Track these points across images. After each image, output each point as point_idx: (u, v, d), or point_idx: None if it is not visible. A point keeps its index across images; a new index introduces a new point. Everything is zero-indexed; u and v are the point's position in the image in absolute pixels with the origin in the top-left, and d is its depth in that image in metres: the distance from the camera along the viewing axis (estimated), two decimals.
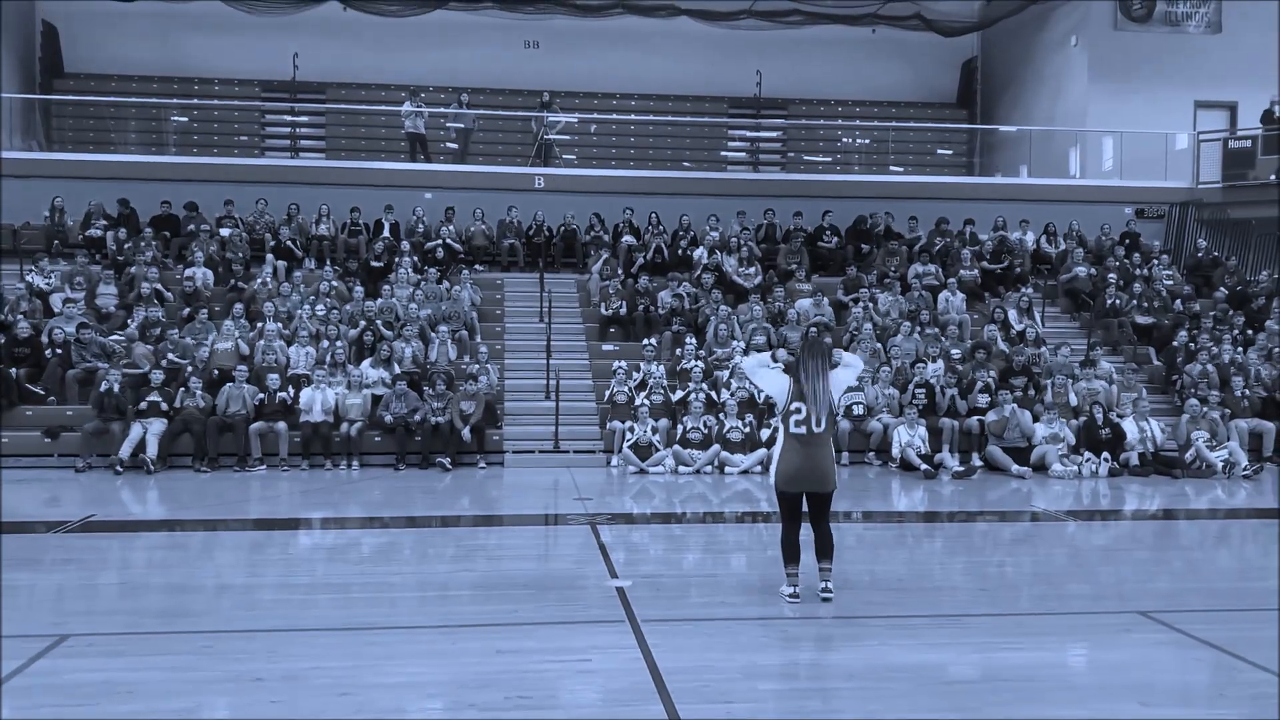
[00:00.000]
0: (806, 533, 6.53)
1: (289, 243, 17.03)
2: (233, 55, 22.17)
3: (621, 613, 6.27)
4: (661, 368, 14.12)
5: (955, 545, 9.17)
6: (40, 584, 7.12)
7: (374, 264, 16.74)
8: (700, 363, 14.11)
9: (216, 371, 13.50)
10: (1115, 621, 6.24)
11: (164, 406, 12.72)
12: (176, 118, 21.30)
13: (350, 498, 11.38)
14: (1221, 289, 17.64)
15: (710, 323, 15.23)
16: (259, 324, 14.40)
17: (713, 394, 13.68)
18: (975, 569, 8.00)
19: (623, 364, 14.16)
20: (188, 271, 15.75)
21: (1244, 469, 12.80)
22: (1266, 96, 19.62)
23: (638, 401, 13.30)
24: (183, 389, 12.89)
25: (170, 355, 13.73)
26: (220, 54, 22.17)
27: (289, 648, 5.53)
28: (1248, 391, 14.36)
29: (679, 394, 13.59)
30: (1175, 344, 15.59)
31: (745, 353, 13.74)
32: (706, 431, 12.98)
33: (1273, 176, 18.77)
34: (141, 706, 4.66)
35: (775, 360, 7.73)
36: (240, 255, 16.59)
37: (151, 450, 12.32)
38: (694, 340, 14.77)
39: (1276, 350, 15.47)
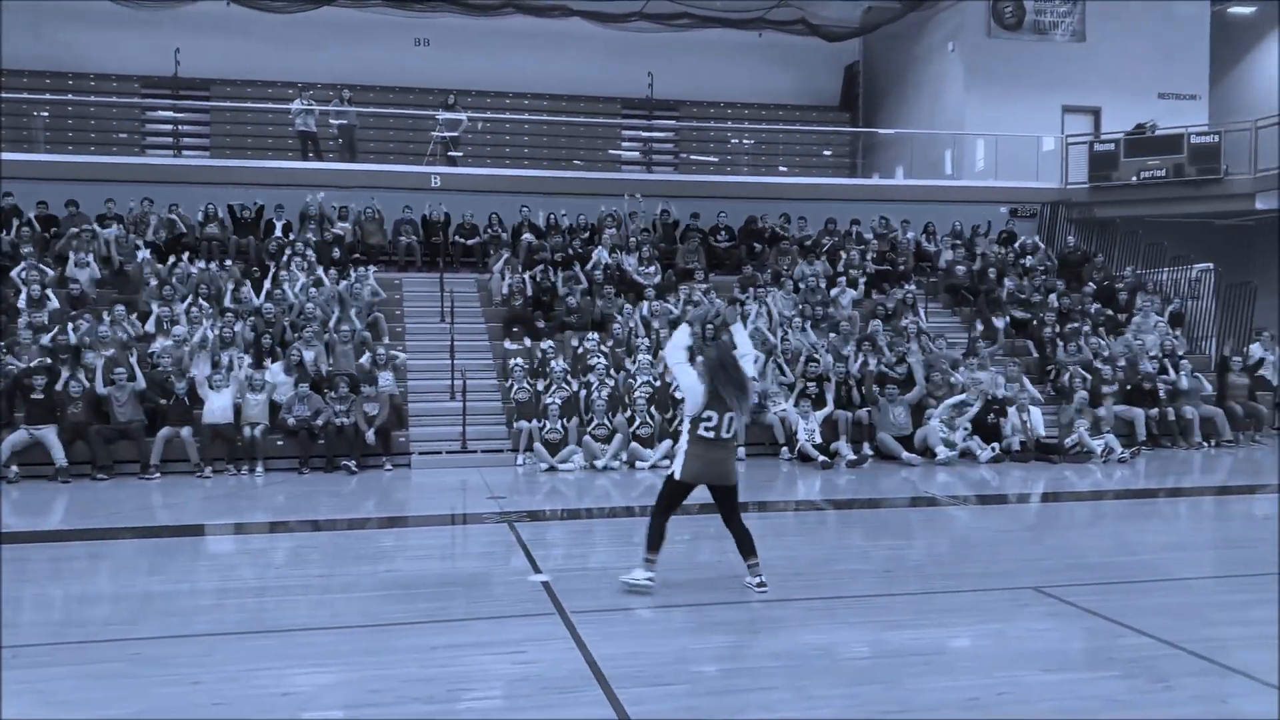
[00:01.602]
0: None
1: (178, 242, 16.59)
2: (111, 50, 21.43)
3: (550, 606, 6.44)
4: (564, 364, 14.27)
5: (859, 531, 9.61)
6: None
7: (267, 263, 16.44)
8: (604, 359, 14.32)
9: (100, 374, 13.09)
10: (1011, 597, 6.69)
11: (55, 412, 12.33)
12: (43, 113, 20.46)
13: (255, 503, 11.24)
14: (1090, 284, 18.71)
15: (617, 321, 15.43)
16: (149, 326, 14.03)
17: (619, 389, 13.90)
18: (879, 553, 8.43)
19: (520, 362, 14.24)
20: (72, 273, 15.21)
21: (1120, 454, 13.64)
22: (1127, 102, 20.88)
23: (546, 400, 13.43)
24: (68, 392, 12.48)
25: (55, 358, 13.25)
26: (97, 49, 21.41)
27: (221, 651, 5.54)
28: (1116, 380, 15.26)
29: (583, 391, 13.78)
30: (1049, 336, 16.50)
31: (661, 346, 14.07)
32: (613, 428, 13.20)
33: (1134, 178, 19.97)
34: (82, 715, 4.64)
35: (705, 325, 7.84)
36: (125, 255, 16.09)
37: (59, 457, 11.97)
38: (596, 336, 14.96)
39: (1142, 341, 16.51)
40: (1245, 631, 5.84)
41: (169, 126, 22.39)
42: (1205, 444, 14.95)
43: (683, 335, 6.96)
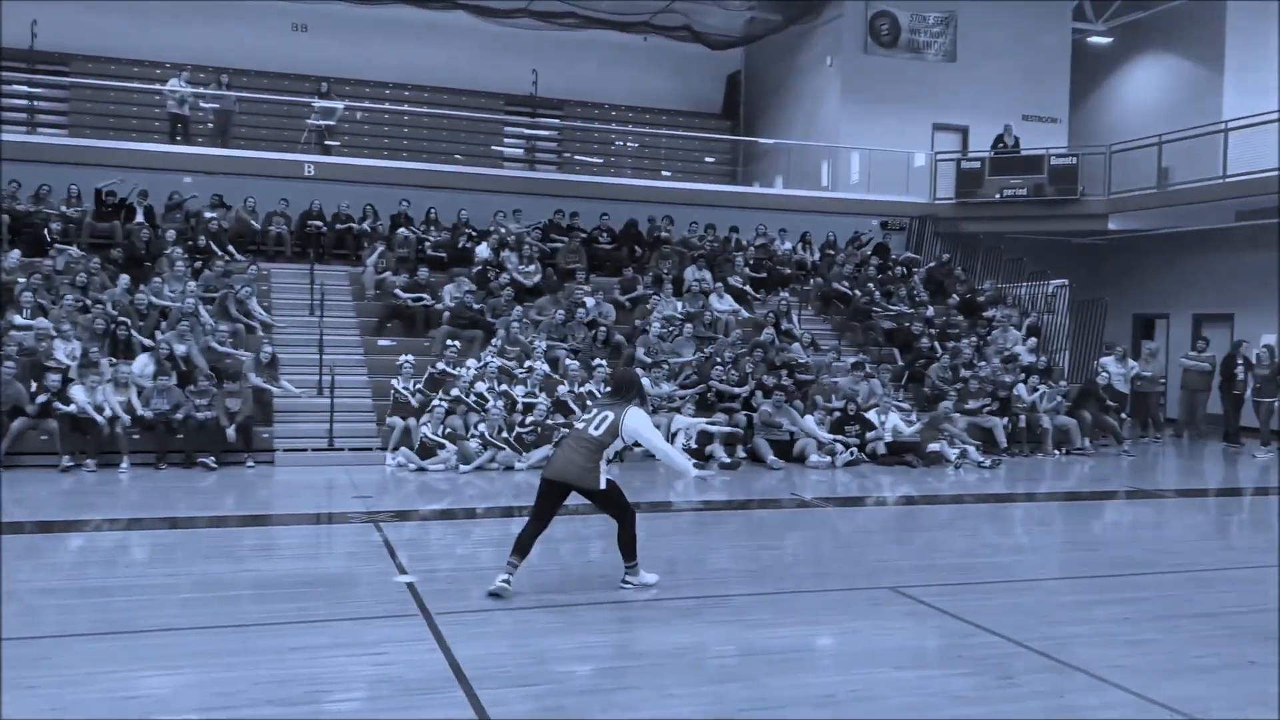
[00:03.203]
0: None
1: (43, 225, 15.77)
2: None
3: (413, 607, 6.34)
4: (470, 369, 13.90)
5: (724, 532, 9.75)
6: None
7: (136, 252, 15.75)
8: (498, 361, 14.16)
9: None
10: (869, 596, 6.89)
11: None
12: None
13: (108, 499, 10.74)
14: (954, 295, 19.42)
15: (503, 322, 15.26)
16: (11, 314, 13.31)
17: (507, 392, 13.72)
18: (743, 554, 8.57)
19: (409, 359, 13.91)
20: None
21: (979, 462, 14.15)
22: (993, 122, 21.74)
23: (434, 400, 13.13)
24: None
25: None
26: None
27: (63, 654, 5.28)
28: (983, 391, 15.83)
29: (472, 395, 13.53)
30: (918, 345, 17.06)
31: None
32: (498, 431, 13.02)
33: (997, 196, 20.82)
34: None
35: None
36: None
37: None
38: (498, 340, 14.76)
39: (1000, 351, 17.22)
40: (1087, 630, 6.14)
41: (24, 101, 21.19)
42: (1057, 452, 15.65)
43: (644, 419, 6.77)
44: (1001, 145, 21.07)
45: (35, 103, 21.13)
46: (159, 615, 6.13)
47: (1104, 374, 17.00)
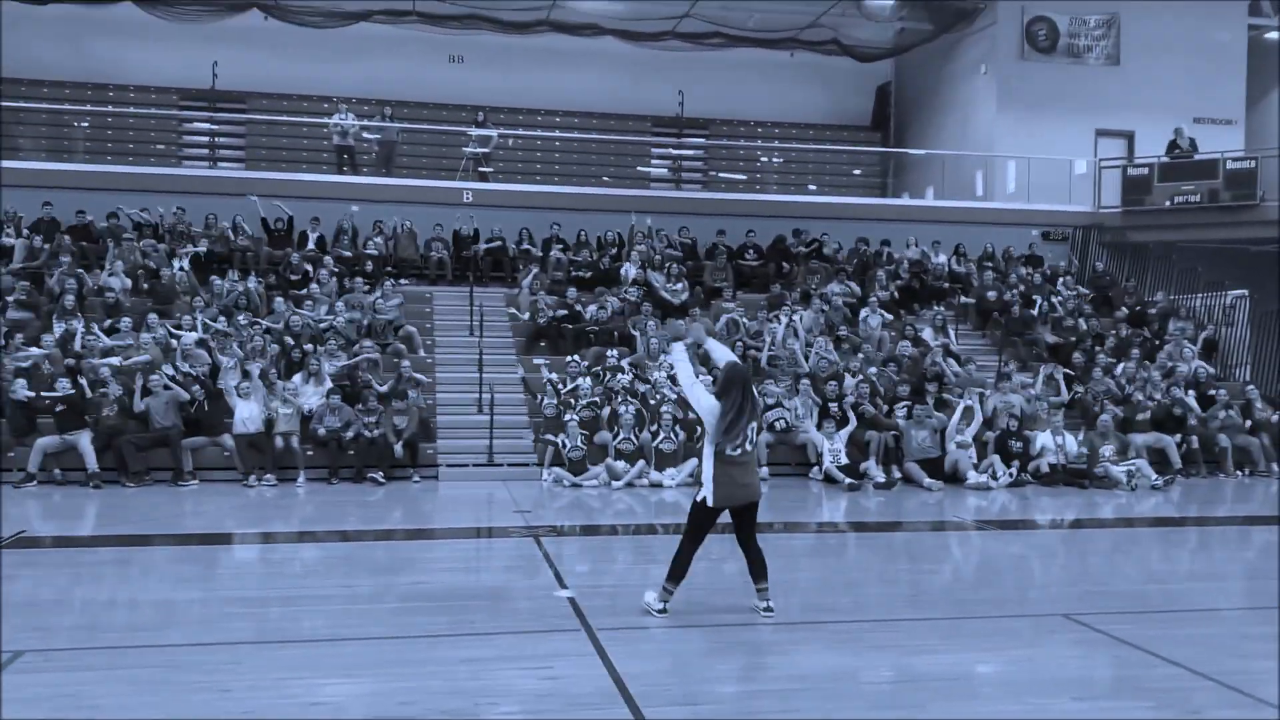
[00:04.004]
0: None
1: (212, 251, 16.82)
2: (149, 62, 21.79)
3: (576, 622, 6.44)
4: (589, 381, 14.27)
5: (881, 554, 9.56)
6: None
7: (292, 276, 16.61)
8: (631, 375, 14.35)
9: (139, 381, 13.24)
10: (1041, 624, 6.63)
11: (86, 418, 12.49)
12: (83, 123, 20.77)
13: (285, 512, 11.32)
14: (1122, 308, 18.57)
15: (640, 337, 15.46)
16: (181, 334, 14.22)
17: (643, 406, 13.91)
18: (902, 577, 8.38)
19: (553, 376, 14.28)
20: (108, 281, 15.42)
21: (1153, 481, 13.47)
22: (1161, 125, 20.74)
23: (567, 416, 13.44)
24: (104, 398, 12.64)
25: (93, 366, 13.39)
26: (136, 61, 21.77)
27: (251, 660, 5.59)
28: (1148, 407, 15.09)
29: (608, 408, 13.79)
30: (1079, 360, 16.37)
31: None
32: (639, 444, 13.21)
33: (1168, 203, 19.83)
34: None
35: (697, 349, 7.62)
36: (159, 265, 16.28)
37: (91, 463, 12.13)
38: (615, 352, 14.96)
39: (1173, 367, 16.35)
40: (1276, 665, 5.76)
41: (206, 138, 22.68)
42: (1240, 473, 14.75)
43: (682, 354, 6.79)
44: (1176, 150, 20.02)
45: (216, 139, 22.57)
46: (336, 625, 6.40)
47: (1255, 391, 15.85)
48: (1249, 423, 15.39)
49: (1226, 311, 18.52)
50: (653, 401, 13.91)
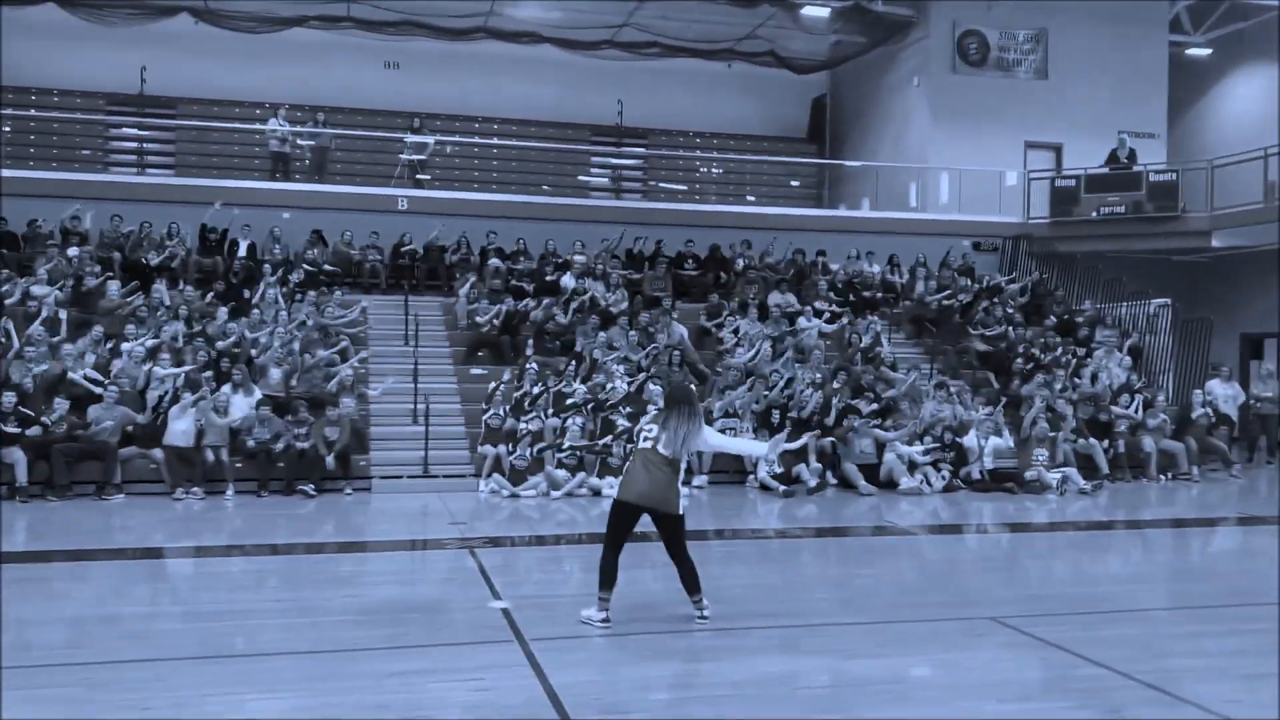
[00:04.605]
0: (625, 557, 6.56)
1: (144, 261, 16.43)
2: (74, 66, 21.21)
3: (509, 633, 6.39)
4: (541, 392, 14.12)
5: (815, 559, 9.63)
6: None
7: (232, 282, 16.32)
8: (582, 385, 14.29)
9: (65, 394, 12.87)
10: (970, 627, 6.73)
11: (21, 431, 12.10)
12: (4, 128, 20.18)
13: (213, 525, 11.08)
14: (1051, 317, 18.96)
15: (586, 347, 15.40)
16: (115, 344, 13.88)
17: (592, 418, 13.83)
18: (836, 581, 8.45)
19: (502, 386, 14.13)
20: (33, 290, 14.97)
21: (1081, 487, 13.74)
22: (1088, 138, 21.24)
23: (521, 425, 13.31)
24: (40, 412, 12.27)
25: (19, 378, 12.95)
26: (62, 64, 21.19)
27: (176, 677, 5.45)
28: (1078, 414, 15.40)
29: (555, 417, 13.69)
30: (1013, 368, 16.67)
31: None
32: (581, 456, 13.14)
33: (1094, 214, 20.30)
34: None
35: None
36: (90, 273, 15.85)
37: (22, 476, 11.76)
38: (573, 364, 14.92)
39: (1101, 374, 16.72)
40: (1199, 663, 5.91)
41: (134, 144, 22.20)
42: (1162, 477, 15.12)
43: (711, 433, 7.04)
44: (1117, 161, 20.45)
45: (145, 144, 22.09)
46: (262, 640, 6.28)
47: (1204, 397, 16.31)
48: (1174, 427, 15.78)
49: (1150, 320, 19.00)
50: (603, 412, 13.86)
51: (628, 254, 19.11)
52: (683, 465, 6.58)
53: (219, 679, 5.44)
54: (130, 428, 12.65)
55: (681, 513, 6.50)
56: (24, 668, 5.59)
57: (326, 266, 17.43)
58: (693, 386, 8.14)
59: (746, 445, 8.37)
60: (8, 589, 7.86)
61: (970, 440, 14.27)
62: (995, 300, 19.00)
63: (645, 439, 6.58)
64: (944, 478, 13.69)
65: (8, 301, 14.60)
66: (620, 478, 6.75)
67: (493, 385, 14.17)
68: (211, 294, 15.90)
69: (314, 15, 20.67)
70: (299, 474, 12.71)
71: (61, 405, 12.40)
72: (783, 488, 13.09)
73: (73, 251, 16.22)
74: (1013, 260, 21.42)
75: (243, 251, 17.36)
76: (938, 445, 14.05)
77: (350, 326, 15.85)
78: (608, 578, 6.46)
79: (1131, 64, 22.38)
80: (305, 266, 17.14)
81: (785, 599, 7.64)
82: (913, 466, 13.77)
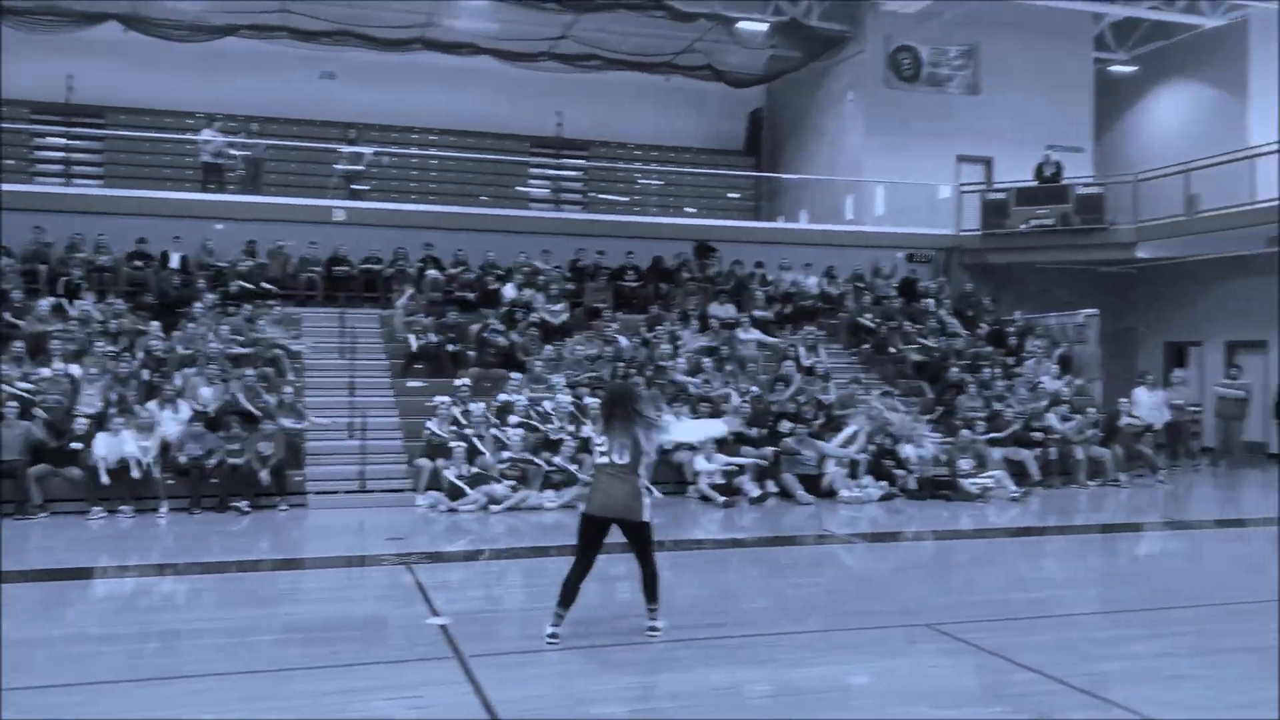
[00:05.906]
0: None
1: (73, 274, 16.05)
2: None
3: (447, 649, 6.34)
4: (482, 406, 14.02)
5: (756, 569, 9.69)
6: None
7: (168, 298, 15.99)
8: (524, 399, 14.22)
9: None
10: (907, 634, 6.82)
11: None
12: None
13: (143, 544, 10.83)
14: (982, 326, 19.33)
15: (529, 361, 15.35)
16: (40, 361, 13.52)
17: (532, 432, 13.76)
18: (776, 591, 8.51)
19: (445, 400, 13.97)
20: None
21: (1011, 493, 14.01)
22: (1017, 152, 21.72)
23: (452, 444, 13.19)
24: None
25: None
26: None
27: (106, 701, 5.33)
28: (1011, 422, 15.70)
29: (495, 431, 13.60)
30: (947, 378, 16.96)
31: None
32: (524, 469, 13.06)
33: (1023, 226, 20.75)
34: None
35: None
36: (12, 286, 15.44)
37: None
38: (518, 378, 14.83)
39: (1036, 384, 17.09)
40: (1126, 666, 6.06)
41: (60, 154, 21.66)
42: (1091, 483, 15.46)
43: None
44: (1042, 176, 20.91)
45: (72, 155, 21.56)
46: (197, 660, 6.16)
47: (1128, 404, 16.75)
48: (1102, 435, 16.16)
49: (1078, 329, 19.45)
50: (547, 427, 13.81)
51: (571, 265, 19.08)
52: (644, 464, 6.49)
53: (151, 702, 5.33)
54: (45, 444, 12.30)
55: (647, 519, 6.46)
56: None
57: (263, 285, 17.13)
58: (631, 384, 7.94)
59: (706, 427, 8.54)
60: None
61: (906, 449, 14.48)
62: (929, 311, 19.32)
63: (599, 454, 6.53)
64: (882, 487, 13.87)
65: None
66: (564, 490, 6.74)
67: (439, 399, 13.99)
68: (139, 308, 15.58)
69: (246, 25, 20.35)
70: (233, 490, 12.47)
71: None
72: (723, 499, 13.16)
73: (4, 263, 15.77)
74: (946, 272, 21.79)
75: (175, 263, 17.02)
76: (875, 448, 14.25)
77: (285, 340, 15.58)
78: (567, 595, 6.39)
79: (1059, 80, 22.92)
80: (240, 282, 16.83)
81: (728, 609, 7.68)
82: (855, 466, 13.92)
